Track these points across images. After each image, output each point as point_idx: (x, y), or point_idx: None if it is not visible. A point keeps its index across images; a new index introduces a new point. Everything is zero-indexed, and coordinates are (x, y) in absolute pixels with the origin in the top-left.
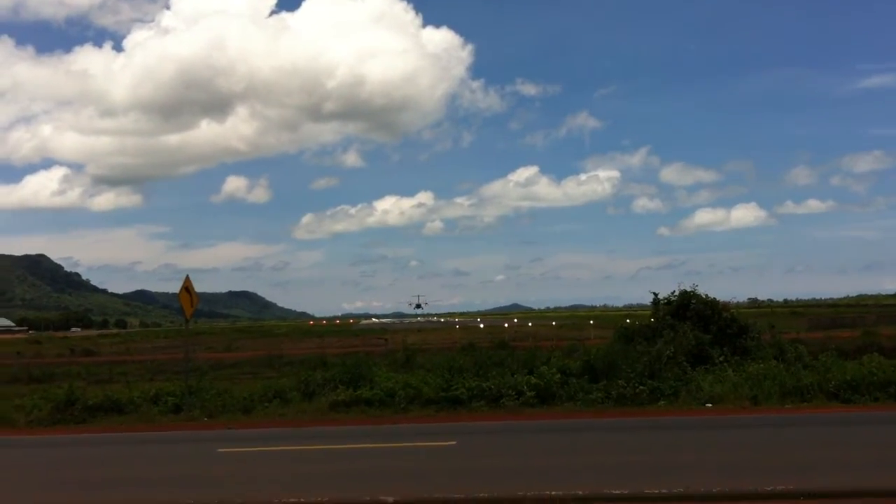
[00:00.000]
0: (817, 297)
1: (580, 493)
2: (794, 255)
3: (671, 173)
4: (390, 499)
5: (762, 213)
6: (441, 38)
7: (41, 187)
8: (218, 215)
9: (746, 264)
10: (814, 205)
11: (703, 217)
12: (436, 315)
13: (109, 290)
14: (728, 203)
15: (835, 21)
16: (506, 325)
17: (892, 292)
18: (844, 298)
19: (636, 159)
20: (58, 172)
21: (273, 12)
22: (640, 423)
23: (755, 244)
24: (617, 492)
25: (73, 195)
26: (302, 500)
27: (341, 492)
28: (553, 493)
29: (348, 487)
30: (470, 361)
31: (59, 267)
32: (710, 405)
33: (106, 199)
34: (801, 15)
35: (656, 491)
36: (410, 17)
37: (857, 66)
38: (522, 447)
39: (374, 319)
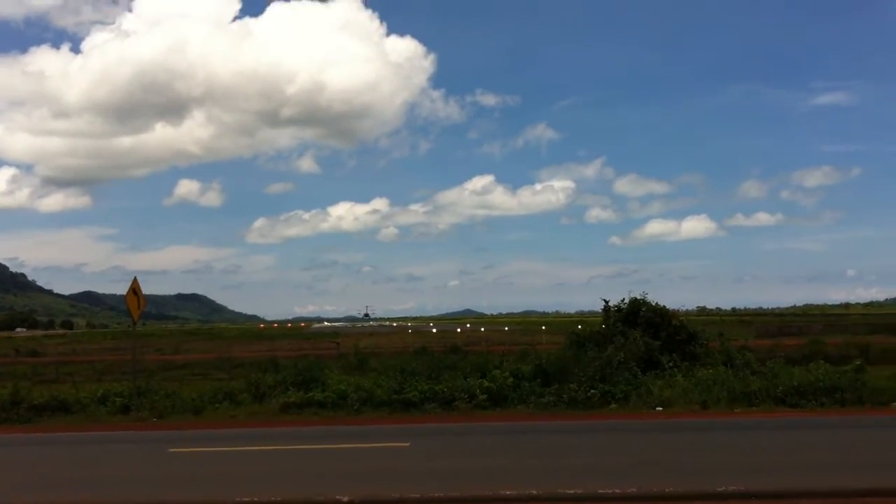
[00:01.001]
0: (764, 306)
1: (534, 492)
2: (743, 265)
3: (625, 185)
4: (345, 498)
5: (712, 225)
6: (404, 47)
7: None
8: (169, 218)
9: (696, 274)
10: (763, 218)
11: (655, 227)
12: (388, 320)
13: (56, 291)
14: (679, 214)
15: (789, 39)
16: (458, 329)
17: (838, 302)
18: (791, 308)
19: (591, 170)
20: (6, 173)
21: (236, 17)
22: (592, 426)
23: (705, 255)
24: (571, 492)
25: (22, 196)
26: (256, 499)
27: (296, 491)
28: (507, 492)
29: (303, 487)
30: (423, 365)
31: (5, 267)
32: (660, 409)
33: (55, 201)
34: (757, 32)
35: (610, 491)
36: (375, 25)
37: (809, 84)
38: (475, 448)
39: (325, 323)
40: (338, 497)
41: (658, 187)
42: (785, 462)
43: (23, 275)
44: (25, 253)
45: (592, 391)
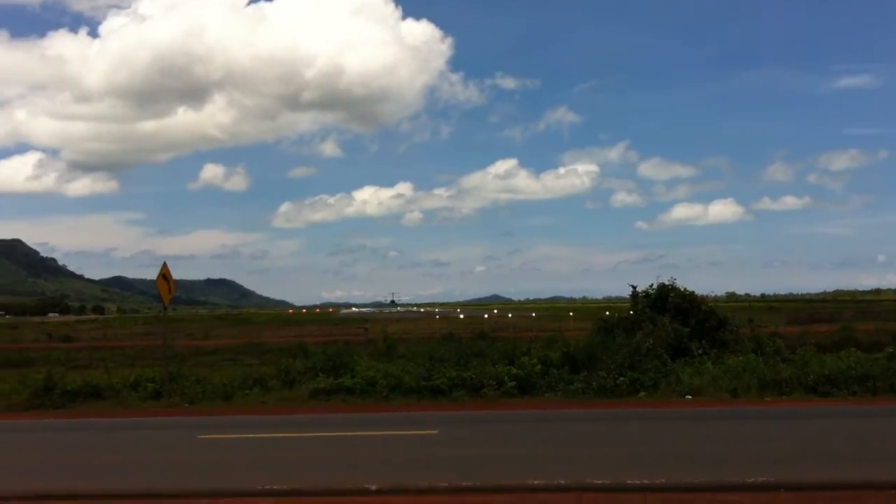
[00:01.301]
0: (794, 292)
1: (562, 482)
2: (771, 250)
3: (649, 168)
4: (373, 486)
5: (739, 209)
6: (421, 31)
7: (15, 172)
8: (195, 203)
9: (723, 259)
10: (790, 202)
11: (681, 212)
12: (415, 306)
13: (86, 276)
14: (705, 198)
15: (808, 22)
16: (485, 315)
17: (868, 288)
18: (821, 294)
19: (614, 154)
20: (32, 157)
21: (251, 1)
22: (622, 414)
23: (732, 239)
24: (599, 482)
25: (49, 180)
26: (285, 486)
27: (324, 479)
28: (535, 482)
29: (331, 475)
30: (450, 351)
31: (35, 252)
32: (689, 397)
33: (81, 185)
34: (777, 15)
35: (638, 482)
36: (390, 9)
37: (830, 67)
38: (504, 436)
39: (353, 309)
40: (366, 485)
41: (683, 171)
42: (815, 452)
43: (53, 259)
44: (55, 238)
45: (621, 379)
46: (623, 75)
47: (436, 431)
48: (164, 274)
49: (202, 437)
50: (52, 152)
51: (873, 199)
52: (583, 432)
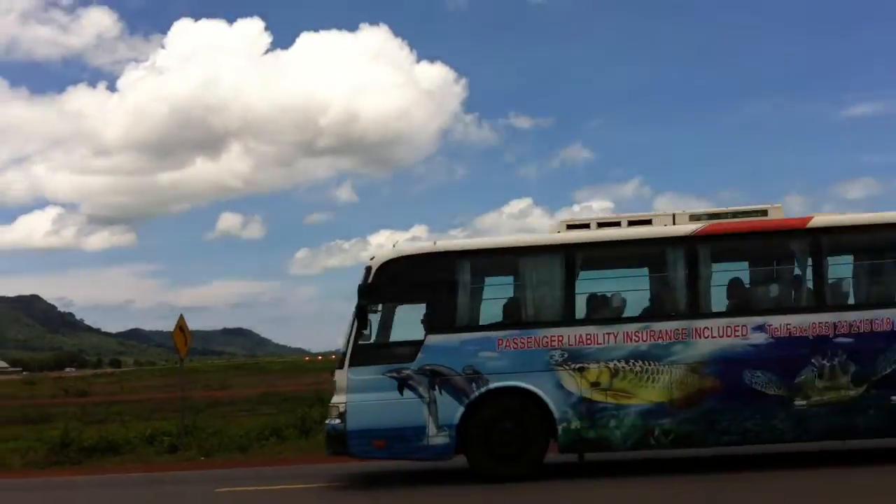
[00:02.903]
0: None
1: None
2: None
3: (664, 203)
4: None
5: None
6: (435, 74)
7: (35, 227)
8: (212, 252)
9: None
10: None
11: None
12: None
13: (103, 330)
14: None
15: (815, 52)
16: None
17: None
18: None
19: (629, 190)
20: (51, 213)
21: (268, 50)
22: None
23: None
24: None
25: (67, 235)
26: None
27: None
28: None
29: None
30: None
31: (53, 307)
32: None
33: (99, 239)
34: (790, 45)
35: None
36: (405, 53)
37: (840, 96)
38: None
39: None
40: None
41: (697, 205)
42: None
43: (71, 314)
44: (73, 292)
45: None
46: (636, 110)
47: None
48: (181, 326)
49: (219, 490)
50: (70, 207)
51: None
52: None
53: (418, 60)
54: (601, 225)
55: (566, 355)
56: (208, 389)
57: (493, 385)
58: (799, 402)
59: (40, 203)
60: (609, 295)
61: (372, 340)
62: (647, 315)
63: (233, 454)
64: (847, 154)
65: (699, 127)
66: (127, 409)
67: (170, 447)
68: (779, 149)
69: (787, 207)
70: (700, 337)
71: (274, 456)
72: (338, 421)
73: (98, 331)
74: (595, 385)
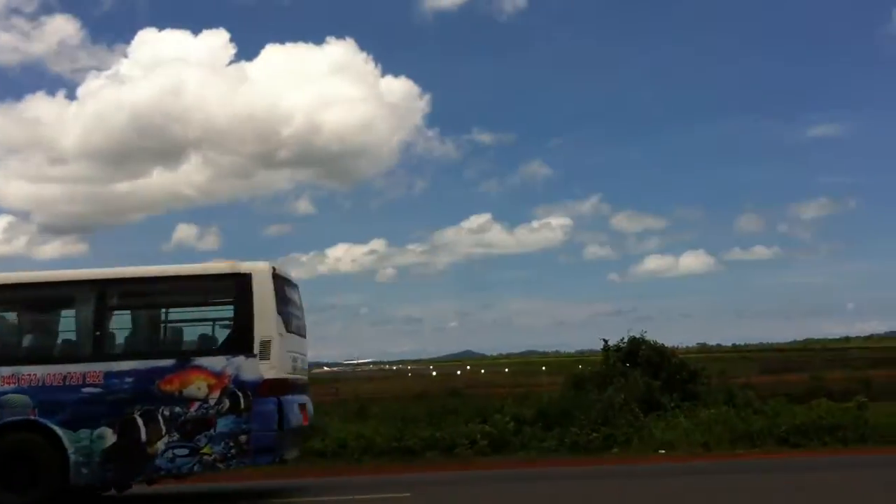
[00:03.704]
0: (765, 341)
1: None
2: (743, 300)
3: (621, 220)
4: None
5: (710, 260)
6: (399, 88)
7: None
8: (166, 264)
9: (695, 310)
10: (760, 251)
11: (653, 263)
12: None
13: None
14: (677, 250)
15: (778, 71)
16: (458, 372)
17: (838, 336)
18: (792, 343)
19: (587, 207)
20: (2, 221)
21: (232, 61)
22: (594, 472)
23: (704, 290)
24: None
25: (19, 244)
26: None
27: None
28: None
29: None
30: (423, 410)
31: None
32: (662, 452)
33: (51, 248)
34: (746, 65)
35: None
36: (370, 67)
37: (801, 116)
38: (477, 498)
39: (325, 368)
40: None
41: (654, 223)
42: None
43: None
44: None
45: (594, 435)
46: (596, 128)
47: (409, 494)
48: None
49: None
50: (22, 215)
51: (843, 247)
52: (556, 491)
53: (383, 74)
54: None
55: None
56: None
57: None
58: None
59: None
60: None
61: None
62: None
63: None
64: (804, 174)
65: (658, 145)
66: None
67: None
68: (736, 168)
69: (742, 226)
70: None
71: (225, 472)
72: None
73: None
74: None
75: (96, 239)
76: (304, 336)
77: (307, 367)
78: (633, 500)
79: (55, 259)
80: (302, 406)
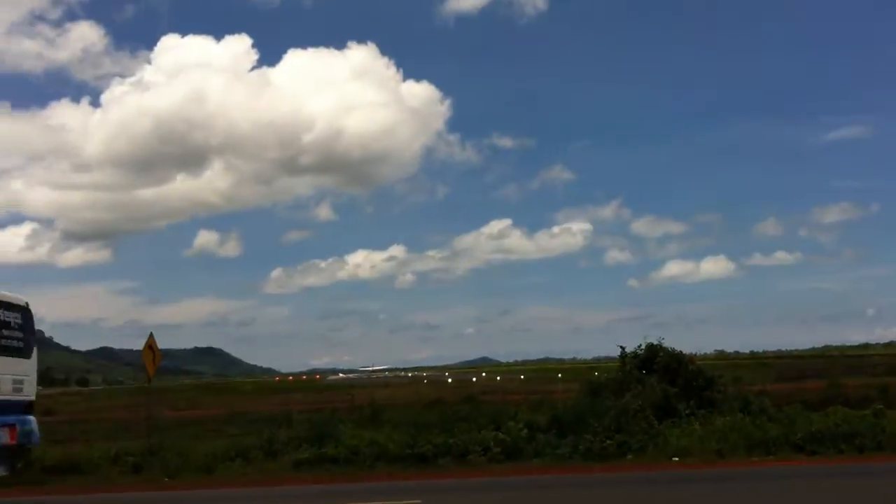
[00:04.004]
0: (784, 348)
1: None
2: (762, 306)
3: (642, 226)
4: None
5: (731, 265)
6: (421, 93)
7: (9, 244)
8: (187, 270)
9: (714, 316)
10: (781, 256)
11: (673, 269)
12: (403, 370)
13: (72, 348)
14: (697, 255)
15: (797, 74)
16: (474, 379)
17: (857, 343)
18: (810, 350)
19: (608, 212)
20: (27, 228)
21: (254, 67)
22: (608, 479)
23: (723, 296)
24: None
25: (42, 251)
26: None
27: None
28: None
29: None
30: (436, 417)
31: None
32: (676, 459)
33: (75, 255)
34: (768, 68)
35: None
36: (391, 71)
37: (820, 119)
38: None
39: (340, 375)
40: None
41: (675, 227)
42: None
43: (40, 331)
44: (44, 309)
45: (608, 442)
46: (618, 132)
47: (419, 501)
48: (150, 345)
49: None
50: (46, 222)
51: (864, 253)
52: (569, 499)
53: (405, 79)
54: None
55: None
56: (176, 409)
57: None
58: None
59: (17, 219)
60: None
61: None
62: None
63: (197, 475)
64: (824, 178)
65: (679, 150)
66: (93, 429)
67: (134, 467)
68: (757, 172)
69: (763, 231)
70: None
71: (239, 477)
72: None
73: (67, 349)
74: None
75: (119, 245)
76: (23, 357)
77: (31, 387)
78: None
79: (79, 265)
80: (10, 426)
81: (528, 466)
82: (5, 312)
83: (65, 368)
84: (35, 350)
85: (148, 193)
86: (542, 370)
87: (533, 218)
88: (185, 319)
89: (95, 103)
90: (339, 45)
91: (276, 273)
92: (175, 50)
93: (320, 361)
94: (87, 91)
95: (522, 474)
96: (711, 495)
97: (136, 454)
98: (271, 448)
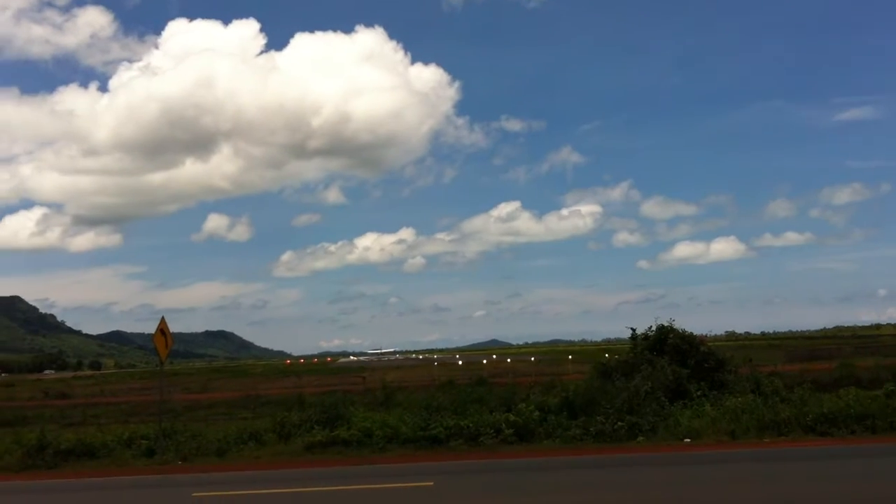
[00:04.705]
0: (794, 329)
1: None
2: (773, 287)
3: (651, 207)
4: None
5: (741, 247)
6: (429, 76)
7: (20, 228)
8: (197, 254)
9: (725, 297)
10: (792, 237)
11: (683, 250)
12: (413, 352)
13: (84, 332)
14: (707, 236)
15: (807, 56)
16: (484, 361)
17: (868, 323)
18: (821, 330)
19: (617, 193)
20: (37, 213)
21: (262, 51)
22: (619, 460)
23: (734, 277)
24: None
25: (52, 236)
26: None
27: None
28: None
29: None
30: (448, 399)
31: (34, 308)
32: (688, 440)
33: (85, 240)
34: (779, 49)
35: None
36: (399, 55)
37: (831, 100)
38: (500, 487)
39: (352, 357)
40: None
41: (685, 209)
42: (819, 493)
43: (52, 316)
44: (55, 293)
45: (620, 423)
46: (627, 114)
47: (431, 483)
48: (162, 329)
49: (196, 494)
50: (56, 207)
51: (875, 233)
52: (581, 480)
53: (413, 63)
54: None
55: None
56: (188, 393)
57: None
58: None
59: (26, 203)
60: None
61: None
62: None
63: (210, 458)
64: (835, 159)
65: (689, 131)
66: (106, 412)
67: (147, 451)
68: (768, 153)
69: (773, 212)
70: None
71: (252, 460)
72: None
73: (79, 333)
74: None
75: (129, 230)
76: None
77: None
78: (655, 488)
79: (89, 250)
80: None
81: (539, 448)
82: None
83: (77, 352)
84: None
85: (157, 178)
86: (553, 352)
87: (542, 200)
88: (196, 303)
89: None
90: (347, 28)
91: (287, 256)
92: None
93: (331, 344)
94: (96, 76)
95: (534, 456)
96: (722, 476)
97: (149, 437)
98: (283, 431)
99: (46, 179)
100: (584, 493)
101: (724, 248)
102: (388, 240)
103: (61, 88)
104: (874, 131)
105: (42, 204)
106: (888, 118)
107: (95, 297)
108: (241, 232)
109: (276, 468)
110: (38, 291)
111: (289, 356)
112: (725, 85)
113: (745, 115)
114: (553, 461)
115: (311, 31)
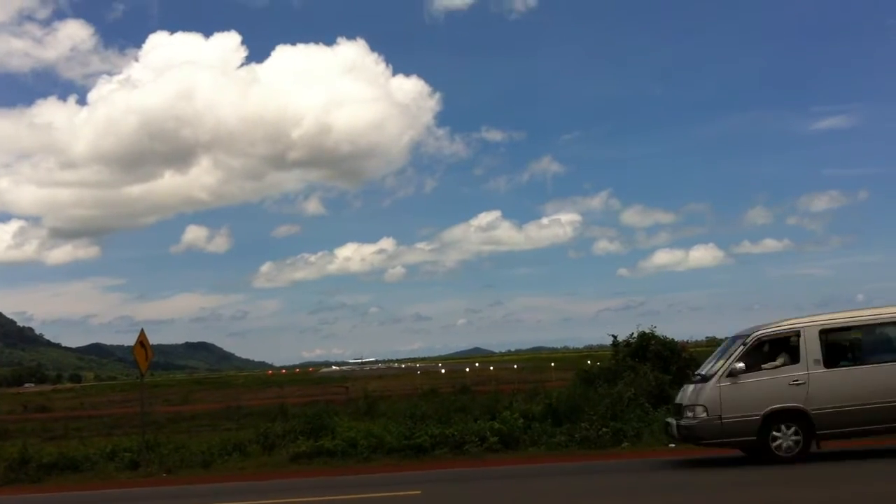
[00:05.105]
0: None
1: None
2: (752, 293)
3: (631, 216)
4: None
5: (720, 254)
6: (410, 87)
7: None
8: (176, 266)
9: (705, 303)
10: (770, 244)
11: (662, 258)
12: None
13: (63, 345)
14: (687, 244)
15: (785, 65)
16: (467, 369)
17: None
18: None
19: (597, 202)
20: (14, 226)
21: (243, 64)
22: (604, 466)
23: (713, 284)
24: None
25: (30, 248)
26: None
27: None
28: None
29: None
30: (432, 408)
31: (12, 322)
32: (673, 445)
33: (63, 252)
34: (757, 59)
35: None
36: (381, 67)
37: (809, 108)
38: (486, 495)
39: (334, 367)
40: None
41: (664, 217)
42: (796, 499)
43: (30, 329)
44: (33, 307)
45: (604, 430)
46: (607, 124)
47: (419, 492)
48: (142, 341)
49: None
50: (34, 220)
51: (852, 239)
52: (566, 486)
53: (394, 74)
54: None
55: None
56: (170, 405)
57: None
58: None
59: (3, 217)
60: None
61: None
62: None
63: (195, 470)
64: (813, 167)
65: (669, 141)
66: (87, 425)
67: (131, 463)
68: (746, 162)
69: (752, 220)
70: None
71: (237, 471)
72: None
73: (58, 346)
74: None
75: (107, 242)
76: None
77: None
78: (639, 492)
79: (67, 262)
80: None
81: (524, 455)
82: None
83: (57, 365)
84: None
85: (136, 190)
86: (535, 359)
87: (522, 210)
88: (175, 314)
89: (83, 101)
90: (329, 41)
91: (266, 267)
92: (163, 47)
93: (312, 354)
94: (75, 89)
95: (519, 463)
96: (707, 480)
97: (132, 450)
98: (268, 441)
99: (24, 192)
100: (569, 499)
101: (703, 255)
102: (369, 250)
103: (40, 101)
104: (851, 140)
105: (19, 217)
106: (865, 127)
107: (74, 310)
108: (221, 243)
109: (261, 479)
110: (16, 304)
111: (270, 367)
112: (705, 95)
113: (724, 124)
114: (539, 468)
115: (293, 43)
